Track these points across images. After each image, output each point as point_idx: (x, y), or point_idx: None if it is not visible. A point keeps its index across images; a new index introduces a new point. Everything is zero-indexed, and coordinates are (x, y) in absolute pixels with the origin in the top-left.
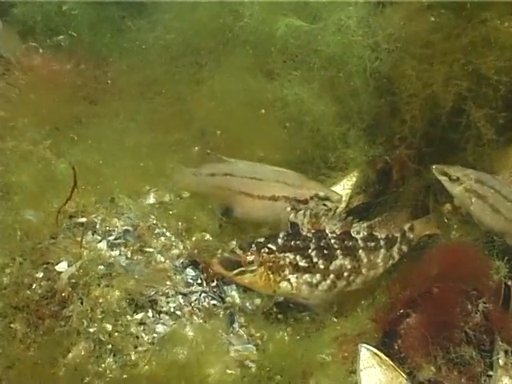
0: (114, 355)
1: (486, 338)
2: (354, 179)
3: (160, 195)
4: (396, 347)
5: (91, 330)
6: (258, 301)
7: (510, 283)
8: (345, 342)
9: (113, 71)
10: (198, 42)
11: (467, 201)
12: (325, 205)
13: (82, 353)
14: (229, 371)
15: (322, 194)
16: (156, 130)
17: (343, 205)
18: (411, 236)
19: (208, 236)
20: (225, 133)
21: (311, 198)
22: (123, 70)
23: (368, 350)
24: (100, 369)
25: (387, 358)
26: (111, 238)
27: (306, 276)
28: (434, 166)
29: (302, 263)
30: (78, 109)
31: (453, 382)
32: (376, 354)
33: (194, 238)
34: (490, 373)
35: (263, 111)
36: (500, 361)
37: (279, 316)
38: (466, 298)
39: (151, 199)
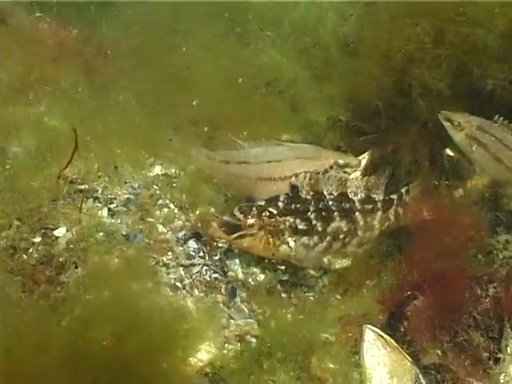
0: (111, 324)
1: (494, 324)
2: (365, 161)
3: (165, 167)
4: (402, 329)
5: (88, 297)
6: (261, 277)
7: None
8: (349, 323)
9: (103, 41)
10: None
11: (468, 148)
12: (345, 172)
13: (78, 320)
14: (229, 345)
15: (341, 161)
16: (147, 102)
17: None
18: (407, 199)
19: (213, 210)
20: (202, 103)
21: (331, 168)
22: (113, 40)
23: (373, 331)
24: (95, 337)
25: (392, 340)
26: (112, 205)
27: (304, 238)
28: (440, 112)
29: (301, 226)
30: (78, 76)
31: (459, 366)
32: (381, 335)
33: (198, 212)
34: (499, 355)
35: (240, 80)
36: (508, 349)
37: (283, 295)
38: (475, 283)
39: (156, 171)
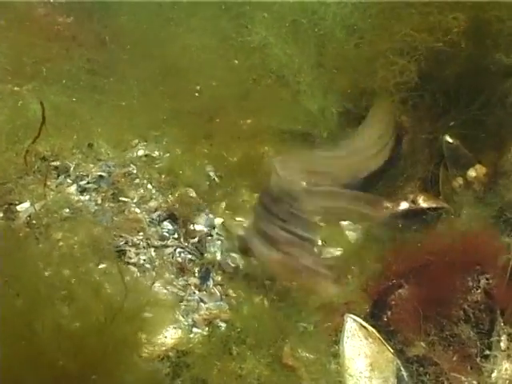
0: (69, 303)
1: (485, 317)
2: None
3: (149, 149)
4: (385, 319)
5: (46, 273)
6: (241, 261)
7: None
8: (330, 311)
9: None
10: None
11: None
12: None
13: (33, 297)
14: (196, 329)
15: None
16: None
17: None
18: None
19: (193, 193)
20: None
21: None
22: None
23: (354, 321)
24: (51, 315)
25: (374, 331)
26: (83, 182)
27: None
28: None
29: None
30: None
31: (444, 360)
32: (363, 325)
33: (177, 194)
34: (487, 352)
35: (236, 61)
36: (501, 344)
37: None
38: (466, 273)
39: (139, 153)
